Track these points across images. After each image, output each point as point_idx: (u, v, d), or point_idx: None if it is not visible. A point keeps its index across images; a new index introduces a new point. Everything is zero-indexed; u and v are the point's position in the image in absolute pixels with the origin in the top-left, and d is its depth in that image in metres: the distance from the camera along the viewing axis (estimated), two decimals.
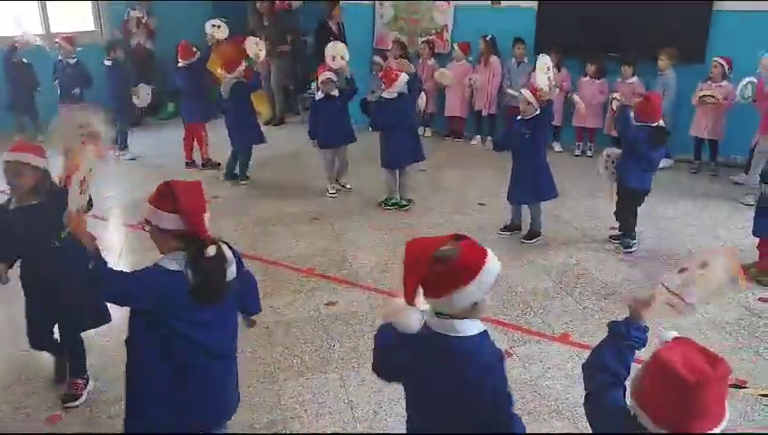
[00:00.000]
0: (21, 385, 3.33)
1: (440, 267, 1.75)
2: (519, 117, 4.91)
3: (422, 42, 8.02)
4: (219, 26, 6.88)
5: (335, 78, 5.91)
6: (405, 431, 2.05)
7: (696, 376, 1.39)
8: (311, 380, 3.32)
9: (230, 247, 2.31)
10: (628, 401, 1.58)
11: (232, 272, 2.24)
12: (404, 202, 5.74)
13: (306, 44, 9.53)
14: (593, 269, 4.58)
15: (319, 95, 5.98)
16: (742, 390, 3.20)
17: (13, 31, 7.68)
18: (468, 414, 1.81)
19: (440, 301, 1.79)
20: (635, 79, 6.81)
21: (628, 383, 1.64)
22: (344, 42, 8.12)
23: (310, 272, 4.54)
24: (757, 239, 4.42)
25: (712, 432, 1.44)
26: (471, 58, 7.82)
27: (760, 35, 6.17)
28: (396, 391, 2.68)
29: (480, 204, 5.80)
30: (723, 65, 6.29)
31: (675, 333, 1.57)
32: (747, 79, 5.98)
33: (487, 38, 7.51)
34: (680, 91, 6.58)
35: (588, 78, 7.12)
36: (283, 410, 3.12)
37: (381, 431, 2.96)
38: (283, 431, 2.97)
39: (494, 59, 7.58)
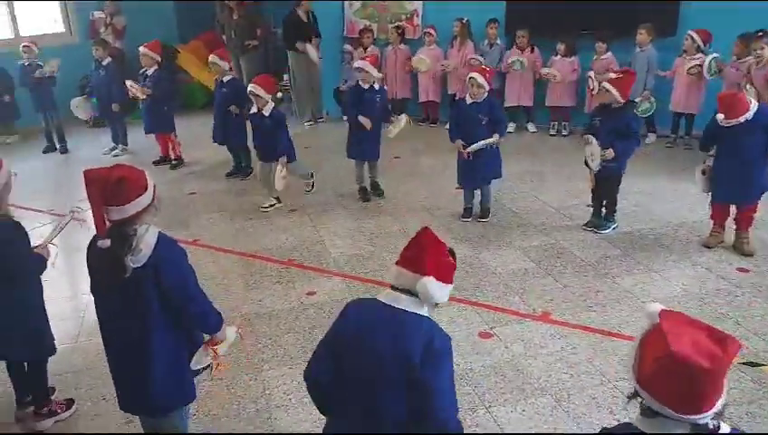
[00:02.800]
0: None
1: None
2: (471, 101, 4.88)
3: (392, 27, 7.98)
4: None
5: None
6: None
7: (711, 362, 1.36)
8: (294, 369, 3.30)
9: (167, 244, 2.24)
10: (631, 382, 1.49)
11: (137, 261, 2.16)
12: (380, 190, 5.71)
13: (276, 36, 9.45)
14: (572, 248, 4.60)
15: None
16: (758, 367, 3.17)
17: None
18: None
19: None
20: (608, 55, 6.83)
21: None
22: (316, 31, 8.08)
23: (289, 263, 4.51)
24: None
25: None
26: (438, 41, 7.78)
27: (730, 9, 6.23)
28: None
29: (458, 188, 5.79)
30: (694, 38, 6.32)
31: (659, 306, 1.49)
32: (711, 56, 6.05)
33: (464, 20, 7.49)
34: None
35: (559, 57, 7.13)
36: (268, 399, 3.11)
37: None
38: (269, 419, 2.96)
39: (468, 42, 7.56)
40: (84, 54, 7.58)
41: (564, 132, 7.37)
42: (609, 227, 4.81)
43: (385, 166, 5.93)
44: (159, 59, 6.61)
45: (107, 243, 2.13)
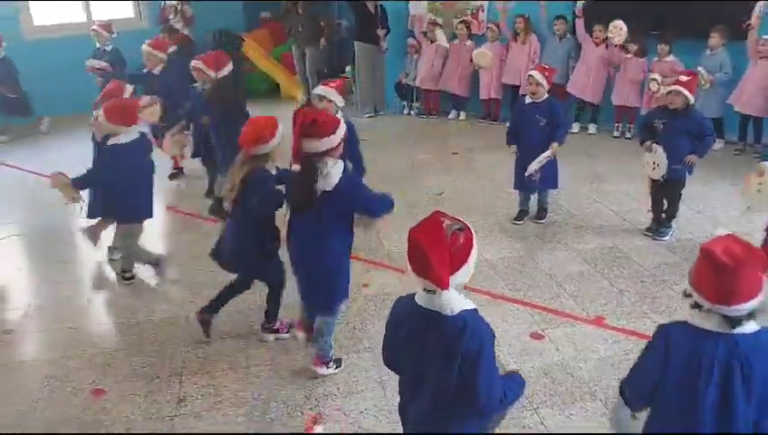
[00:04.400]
0: (67, 359, 3.47)
1: (463, 237, 1.86)
2: (529, 100, 4.77)
3: (459, 22, 7.93)
4: None
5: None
6: None
7: (731, 260, 1.69)
8: (344, 359, 3.37)
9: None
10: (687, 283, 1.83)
11: (328, 184, 2.85)
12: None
13: (341, 28, 9.54)
14: (630, 252, 4.51)
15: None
16: None
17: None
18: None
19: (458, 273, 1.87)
20: (671, 57, 6.61)
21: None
22: (385, 23, 8.11)
23: None
24: None
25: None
26: (501, 38, 7.72)
27: None
28: None
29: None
30: None
31: (725, 231, 1.78)
32: None
33: (526, 16, 7.42)
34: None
35: (630, 56, 6.94)
36: (316, 387, 3.18)
37: None
38: (317, 407, 3.04)
39: (532, 37, 7.47)
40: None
41: (628, 135, 7.17)
42: (668, 234, 4.69)
43: (443, 162, 5.92)
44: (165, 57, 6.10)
45: (297, 167, 2.85)
